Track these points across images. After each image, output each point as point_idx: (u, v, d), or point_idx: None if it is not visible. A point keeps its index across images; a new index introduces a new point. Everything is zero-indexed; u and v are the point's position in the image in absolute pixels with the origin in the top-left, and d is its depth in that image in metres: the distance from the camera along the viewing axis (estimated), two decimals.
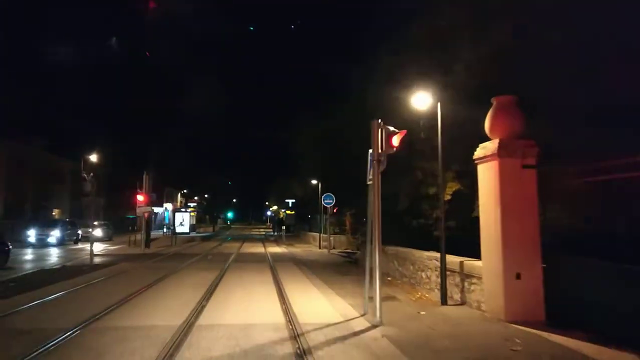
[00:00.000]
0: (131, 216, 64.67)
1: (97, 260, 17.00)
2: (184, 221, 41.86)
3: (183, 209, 43.22)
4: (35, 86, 40.65)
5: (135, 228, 40.09)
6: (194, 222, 51.38)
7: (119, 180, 69.07)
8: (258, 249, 26.84)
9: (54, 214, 46.60)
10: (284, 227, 31.16)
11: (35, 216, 33.58)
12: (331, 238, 24.67)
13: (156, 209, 58.03)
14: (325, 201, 23.75)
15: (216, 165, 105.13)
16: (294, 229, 42.43)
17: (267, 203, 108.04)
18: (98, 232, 32.21)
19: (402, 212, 13.17)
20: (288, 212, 43.47)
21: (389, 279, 11.85)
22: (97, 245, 28.58)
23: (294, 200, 44.37)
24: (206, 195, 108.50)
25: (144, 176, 23.83)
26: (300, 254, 22.45)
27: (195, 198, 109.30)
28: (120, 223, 61.02)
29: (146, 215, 23.76)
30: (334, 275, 13.73)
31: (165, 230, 38.88)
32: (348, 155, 26.24)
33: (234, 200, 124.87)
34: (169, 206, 63.61)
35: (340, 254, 22.19)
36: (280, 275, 13.50)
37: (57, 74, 40.96)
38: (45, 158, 37.92)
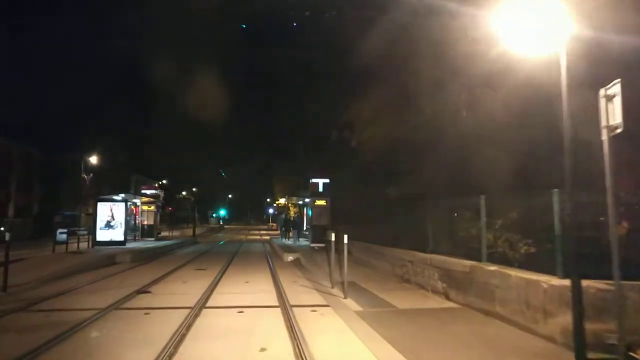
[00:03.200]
0: (68, 212, 44.20)
1: None
2: (114, 221, 21.27)
3: (118, 197, 22.73)
4: None
5: (66, 231, 19.50)
6: (153, 222, 30.79)
7: (62, 166, 49.10)
8: None
9: None
10: (333, 236, 10.21)
11: None
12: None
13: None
14: None
15: (208, 154, 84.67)
16: (326, 234, 21.95)
17: (268, 200, 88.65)
18: None
19: None
20: (318, 202, 22.67)
21: None
22: None
23: (326, 181, 23.74)
24: (194, 189, 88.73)
25: None
26: None
27: (184, 193, 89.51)
28: (44, 223, 40.39)
29: None
30: None
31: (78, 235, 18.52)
32: None
33: (230, 195, 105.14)
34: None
35: None
36: None
37: None
38: None
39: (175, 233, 43.14)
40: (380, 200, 14.10)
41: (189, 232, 45.59)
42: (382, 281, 11.66)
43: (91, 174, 45.66)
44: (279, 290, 10.17)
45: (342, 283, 9.71)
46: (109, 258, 16.82)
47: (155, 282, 11.46)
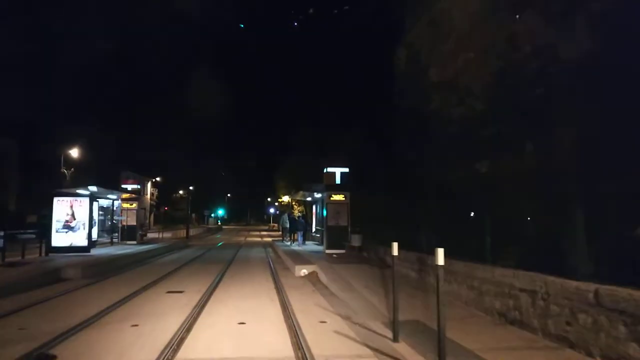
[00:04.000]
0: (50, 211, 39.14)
1: None
2: (74, 221, 16.59)
3: (84, 192, 18.05)
4: None
5: (2, 234, 14.64)
6: (135, 223, 26.02)
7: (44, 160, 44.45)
8: None
9: None
10: (395, 249, 5.34)
11: None
12: None
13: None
14: None
15: (206, 152, 79.90)
16: (349, 237, 17.24)
17: (269, 199, 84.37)
18: None
19: None
20: (334, 196, 17.84)
21: None
22: None
23: (345, 170, 19.06)
24: (191, 188, 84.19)
25: None
26: None
27: (181, 192, 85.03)
28: (19, 223, 35.33)
29: None
30: None
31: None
32: None
33: (229, 195, 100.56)
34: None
35: None
36: None
37: None
38: None
39: (167, 234, 38.39)
40: (445, 186, 9.32)
41: (183, 233, 40.79)
42: (471, 322, 6.86)
43: (72, 169, 40.83)
44: (300, 349, 5.42)
45: (437, 341, 4.93)
46: (53, 273, 12.09)
47: (85, 324, 6.69)
